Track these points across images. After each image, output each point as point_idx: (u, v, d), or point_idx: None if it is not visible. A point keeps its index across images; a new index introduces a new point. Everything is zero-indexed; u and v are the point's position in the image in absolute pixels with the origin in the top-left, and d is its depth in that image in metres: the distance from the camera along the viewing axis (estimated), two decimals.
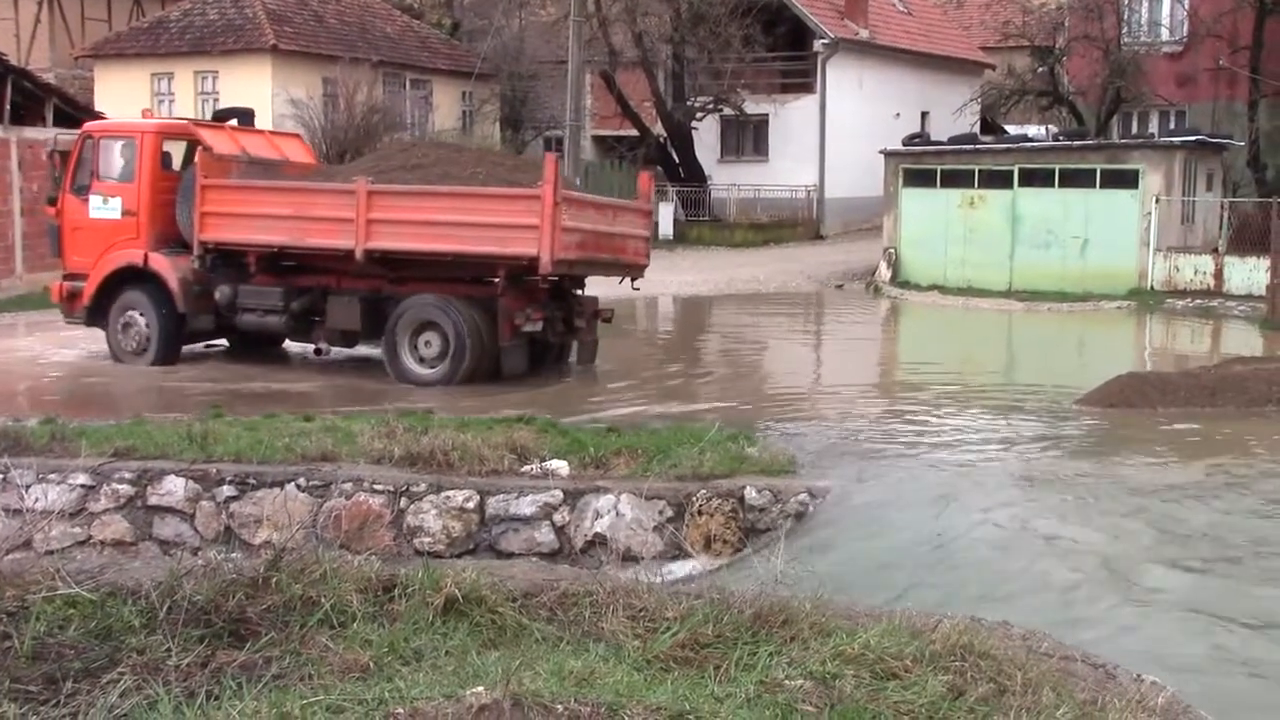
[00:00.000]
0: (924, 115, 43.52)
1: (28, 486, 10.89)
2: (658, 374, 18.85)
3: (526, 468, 11.13)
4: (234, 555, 6.88)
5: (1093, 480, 11.20)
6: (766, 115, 41.25)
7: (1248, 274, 28.96)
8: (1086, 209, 30.85)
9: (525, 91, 44.93)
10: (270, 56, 39.28)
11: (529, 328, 16.49)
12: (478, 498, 10.71)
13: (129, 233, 18.10)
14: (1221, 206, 32.66)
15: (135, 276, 18.01)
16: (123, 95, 38.64)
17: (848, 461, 11.86)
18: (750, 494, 10.48)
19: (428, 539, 10.62)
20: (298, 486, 10.88)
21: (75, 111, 28.96)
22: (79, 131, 19.19)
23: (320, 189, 17.25)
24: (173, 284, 17.67)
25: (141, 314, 17.89)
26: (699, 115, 39.97)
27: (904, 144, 34.48)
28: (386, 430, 11.66)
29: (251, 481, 10.95)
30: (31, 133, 27.11)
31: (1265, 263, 27.15)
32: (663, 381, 18.13)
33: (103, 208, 18.24)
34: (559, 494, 10.69)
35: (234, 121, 19.87)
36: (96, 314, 18.26)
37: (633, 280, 18.10)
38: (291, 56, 39.69)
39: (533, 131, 45.81)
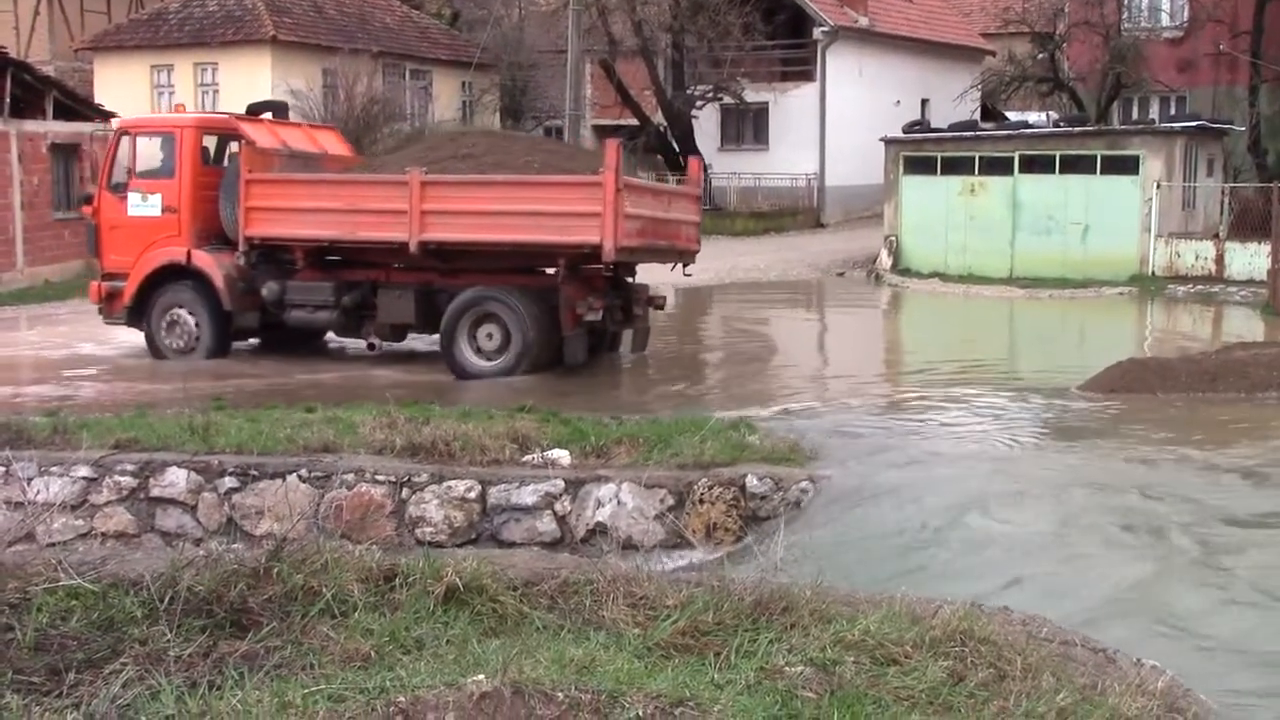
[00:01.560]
0: (924, 102, 43.48)
1: (30, 479, 10.91)
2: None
3: (528, 457, 11.14)
4: (236, 546, 6.91)
5: (1095, 467, 11.22)
6: (766, 103, 41.22)
7: (1249, 259, 28.94)
8: (1087, 195, 30.82)
9: (525, 81, 44.89)
10: (270, 48, 39.23)
11: (591, 316, 16.30)
12: (479, 487, 10.73)
13: (170, 230, 17.75)
14: (1222, 192, 32.62)
15: (176, 275, 17.68)
16: (122, 88, 38.66)
17: (850, 449, 11.87)
18: (751, 482, 10.49)
19: (429, 529, 10.64)
20: (299, 477, 10.89)
21: (75, 104, 29.02)
22: (115, 128, 18.91)
23: (371, 181, 17.02)
24: (218, 281, 17.36)
25: (189, 312, 17.56)
26: (699, 104, 39.95)
27: (904, 131, 34.43)
28: (388, 421, 11.67)
29: (253, 473, 10.97)
30: (32, 126, 27.12)
31: (1266, 248, 27.12)
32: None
33: (142, 205, 17.86)
34: (560, 483, 10.70)
35: (268, 115, 19.58)
36: (138, 314, 17.89)
37: (684, 266, 17.97)
38: (291, 47, 39.65)
39: (533, 121, 45.79)
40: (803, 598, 5.90)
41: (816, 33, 41.25)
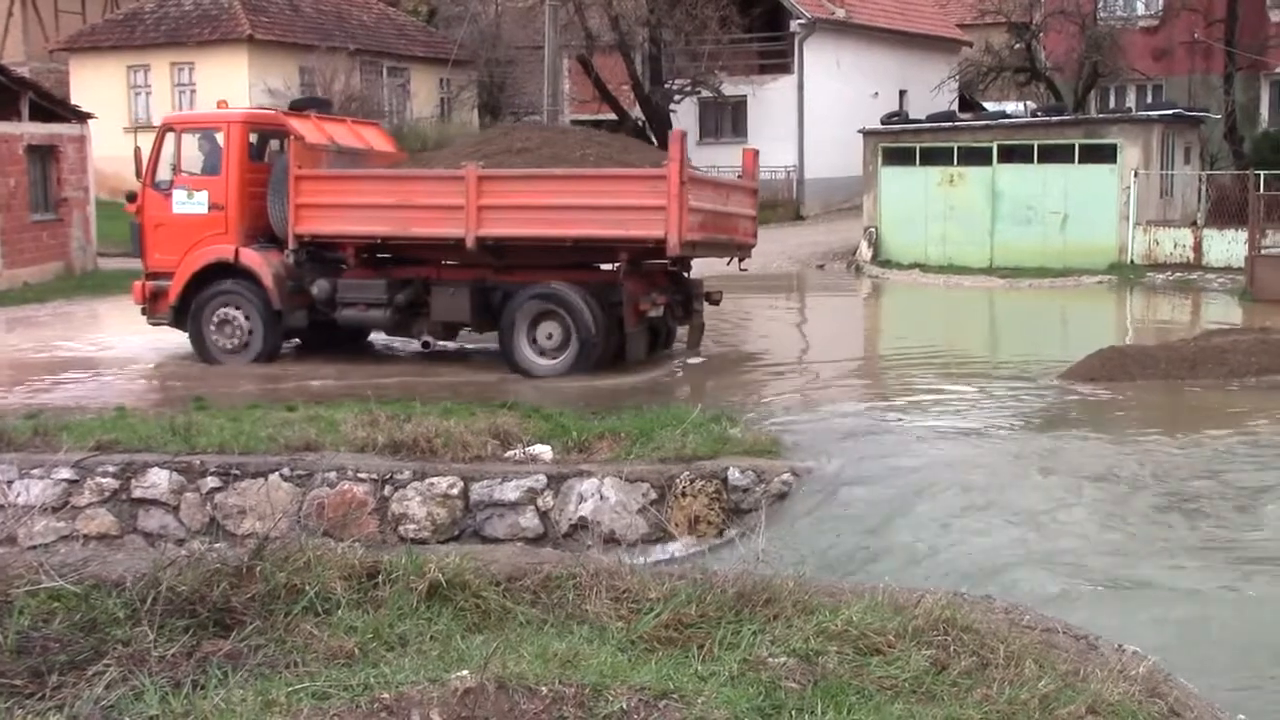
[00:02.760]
0: (902, 94, 43.52)
1: (10, 482, 10.90)
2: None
3: (510, 453, 11.16)
4: (218, 546, 6.89)
5: (1074, 454, 11.27)
6: (744, 96, 41.19)
7: (1226, 246, 29.05)
8: (1066, 184, 30.89)
9: (503, 77, 44.79)
10: (246, 47, 39.12)
11: (654, 312, 16.12)
12: (462, 484, 10.75)
13: (216, 227, 17.30)
14: (1200, 180, 32.75)
15: (221, 274, 17.29)
16: (99, 88, 38.51)
17: (832, 440, 11.90)
18: (733, 475, 10.53)
19: (412, 526, 10.65)
20: (282, 476, 10.90)
21: (51, 105, 28.86)
22: (160, 124, 18.32)
23: (426, 176, 16.71)
24: (267, 280, 16.96)
25: (241, 310, 17.17)
26: (677, 98, 39.89)
27: (882, 123, 34.47)
28: (369, 419, 11.69)
29: (235, 472, 10.98)
30: (7, 127, 26.97)
31: (1243, 235, 27.22)
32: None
33: (187, 202, 17.44)
34: (543, 479, 10.73)
35: (313, 111, 19.06)
36: (183, 313, 17.44)
37: (740, 261, 17.82)
38: (268, 46, 39.54)
39: (511, 117, 45.67)
40: (785, 589, 5.91)
41: (793, 25, 41.24)
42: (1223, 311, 23.82)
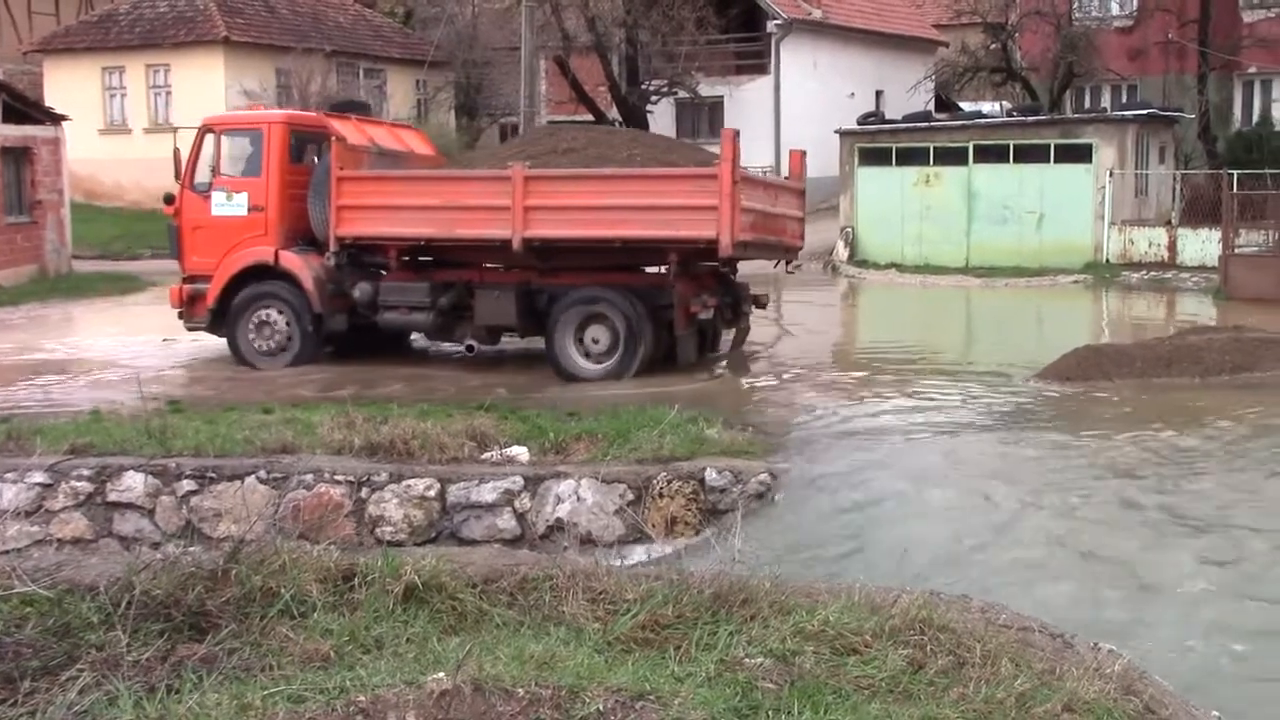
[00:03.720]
0: (878, 94, 43.59)
1: None
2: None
3: (487, 455, 11.14)
4: (193, 549, 6.87)
5: (1049, 453, 11.31)
6: (721, 97, 41.19)
7: (1200, 245, 29.20)
8: (1041, 184, 31.01)
9: (480, 78, 44.72)
10: (222, 48, 39.00)
11: (704, 315, 15.84)
12: (439, 486, 10.73)
13: (256, 230, 17.05)
14: (1174, 179, 32.91)
15: (260, 277, 17.05)
16: (73, 90, 38.34)
17: (809, 440, 11.93)
18: (710, 475, 10.53)
19: (389, 528, 10.62)
20: (258, 479, 10.86)
21: (25, 107, 28.73)
22: (199, 125, 18.02)
23: (471, 177, 16.46)
24: (308, 283, 16.71)
25: (280, 312, 16.91)
26: (654, 99, 39.89)
27: (859, 123, 34.55)
28: (346, 421, 11.65)
29: (211, 475, 10.92)
30: None
31: (1217, 234, 27.34)
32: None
33: (226, 204, 17.18)
34: (520, 480, 10.71)
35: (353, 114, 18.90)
36: (221, 317, 17.17)
37: (787, 263, 17.66)
38: (244, 48, 39.42)
39: (488, 118, 45.65)
40: (762, 589, 5.92)
41: (770, 26, 41.28)
42: (1197, 310, 23.94)
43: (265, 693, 4.66)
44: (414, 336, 18.22)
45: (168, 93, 40.05)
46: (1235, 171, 28.98)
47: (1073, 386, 14.53)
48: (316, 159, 17.30)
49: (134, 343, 19.19)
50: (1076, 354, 15.47)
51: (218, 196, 17.26)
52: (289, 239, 17.04)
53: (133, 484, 10.96)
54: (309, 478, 10.78)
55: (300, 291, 16.82)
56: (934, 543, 9.23)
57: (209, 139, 17.54)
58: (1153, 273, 29.38)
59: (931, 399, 14.44)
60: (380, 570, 6.01)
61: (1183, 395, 13.93)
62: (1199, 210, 30.64)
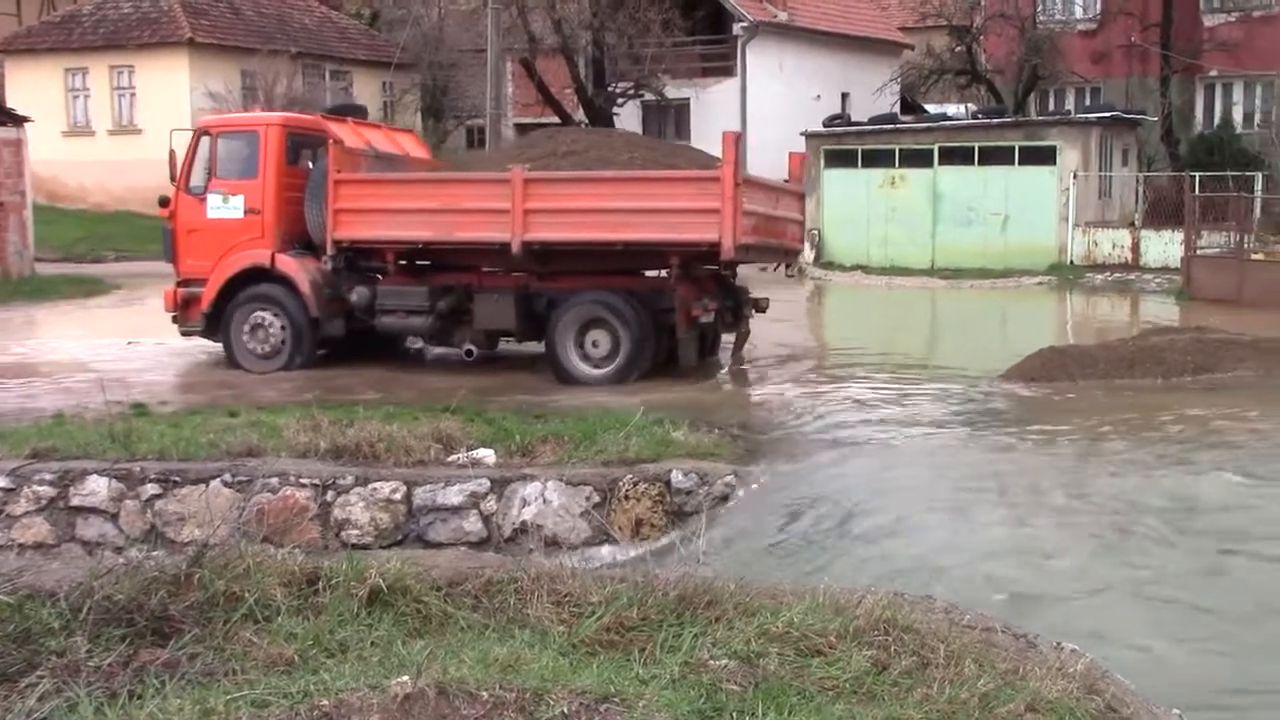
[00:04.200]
0: (844, 96, 43.71)
1: None
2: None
3: (453, 457, 11.12)
4: (157, 553, 6.84)
5: (1015, 454, 11.37)
6: (688, 99, 41.25)
7: (1163, 247, 29.43)
8: (1006, 186, 31.18)
9: (446, 81, 44.64)
10: (187, 50, 38.82)
11: (705, 319, 15.71)
12: (404, 489, 10.71)
13: (252, 232, 16.85)
14: (1137, 181, 33.13)
15: (256, 281, 16.85)
16: (36, 91, 38.12)
17: (775, 442, 11.96)
18: (676, 477, 10.54)
19: (355, 531, 10.59)
20: (223, 482, 10.81)
21: None
22: (195, 128, 17.88)
23: (470, 180, 16.34)
24: (304, 287, 16.55)
25: (275, 315, 16.71)
26: (620, 101, 39.89)
27: (825, 125, 34.68)
28: (312, 423, 11.61)
29: (175, 479, 10.86)
30: None
31: (1180, 236, 27.58)
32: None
33: (222, 207, 16.97)
34: (486, 483, 10.70)
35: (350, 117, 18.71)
36: (216, 321, 16.95)
37: (787, 267, 17.51)
38: (208, 49, 39.24)
39: (454, 121, 45.57)
40: (726, 591, 5.92)
41: (736, 28, 41.34)
42: (1160, 311, 24.12)
43: (228, 697, 4.64)
44: (411, 341, 18.09)
45: (132, 94, 39.85)
46: (1197, 174, 29.21)
47: (1037, 388, 14.62)
48: (311, 163, 17.22)
49: (98, 345, 19.04)
50: (1040, 355, 15.57)
51: (213, 199, 17.07)
52: (285, 242, 16.88)
53: (96, 488, 10.89)
54: (274, 481, 10.74)
55: (296, 295, 16.67)
56: (898, 545, 9.26)
57: (205, 141, 17.38)
58: (1116, 274, 29.59)
59: (897, 400, 14.49)
60: (345, 574, 5.98)
61: (1143, 396, 14.03)
62: (1162, 212, 30.88)
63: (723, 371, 16.95)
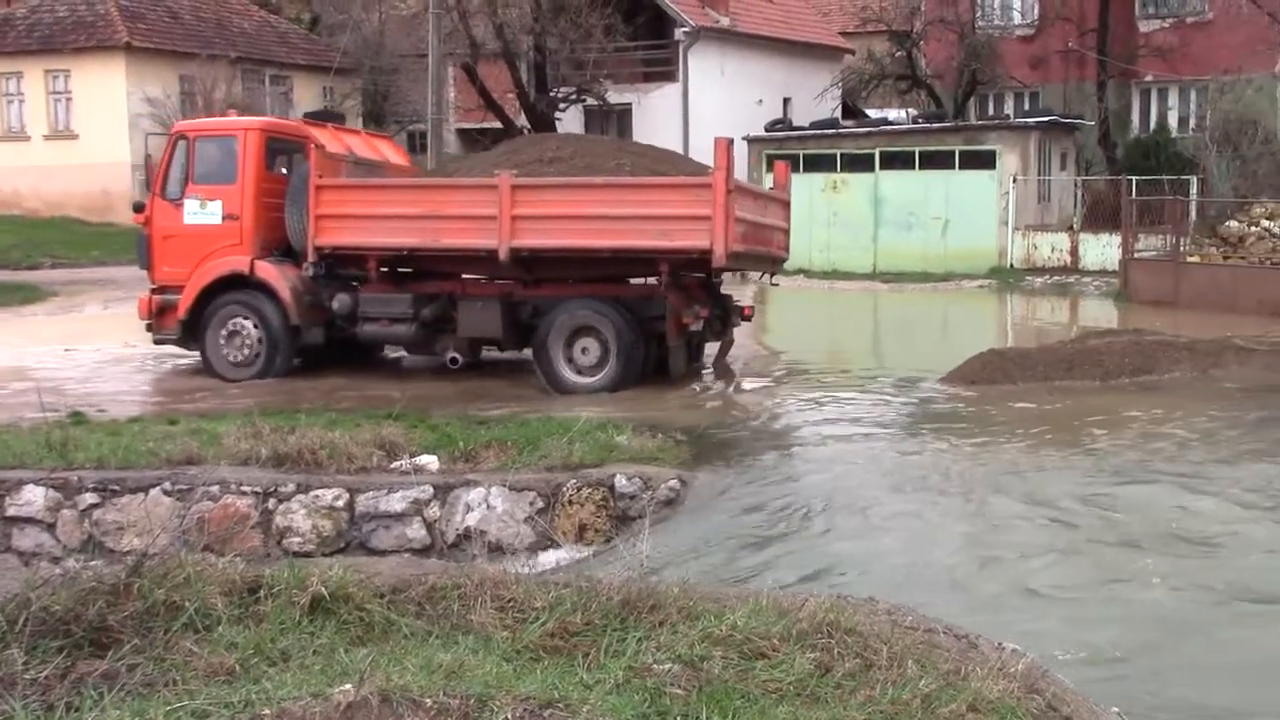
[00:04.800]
0: (786, 101, 43.90)
1: None
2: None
3: (396, 464, 11.08)
4: (94, 563, 6.76)
5: (955, 457, 11.45)
6: (630, 104, 41.29)
7: (1101, 250, 29.76)
8: (947, 190, 31.42)
9: (387, 86, 44.49)
10: (124, 54, 38.47)
11: (695, 326, 15.63)
12: (347, 496, 10.65)
13: (230, 239, 16.62)
14: (1075, 185, 33.49)
15: (233, 288, 16.62)
16: None
17: (718, 446, 11.99)
18: (620, 482, 10.55)
19: (297, 539, 10.53)
20: (163, 491, 10.71)
21: None
22: (171, 132, 17.59)
23: (456, 185, 16.06)
24: (284, 294, 16.33)
25: (250, 321, 16.49)
26: (562, 106, 39.87)
27: (766, 130, 34.83)
28: (253, 431, 11.51)
29: (114, 487, 10.76)
30: None
31: (1117, 239, 27.89)
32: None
33: (200, 213, 16.71)
34: (429, 489, 10.66)
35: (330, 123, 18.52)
36: (192, 329, 16.72)
37: (772, 275, 17.40)
38: (146, 54, 38.91)
39: (396, 125, 45.37)
40: (670, 595, 5.92)
41: (678, 33, 41.42)
42: (1099, 313, 24.38)
43: (168, 708, 4.58)
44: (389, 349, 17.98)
45: (68, 99, 39.46)
46: (1134, 178, 29.58)
47: (977, 389, 14.74)
48: (285, 169, 17.04)
49: (35, 353, 18.82)
50: (981, 358, 15.70)
51: (190, 204, 16.83)
52: (264, 248, 16.67)
53: (32, 498, 10.76)
54: (215, 489, 10.65)
55: (275, 302, 16.43)
56: (843, 546, 9.31)
57: (181, 145, 17.07)
58: (1055, 277, 29.88)
59: (841, 403, 14.59)
60: (286, 581, 5.93)
61: (1081, 398, 14.18)
62: (1100, 215, 31.25)
63: (707, 378, 16.85)
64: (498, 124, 40.06)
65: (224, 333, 16.60)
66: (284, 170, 17.06)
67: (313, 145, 16.33)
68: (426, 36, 34.51)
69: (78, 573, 5.81)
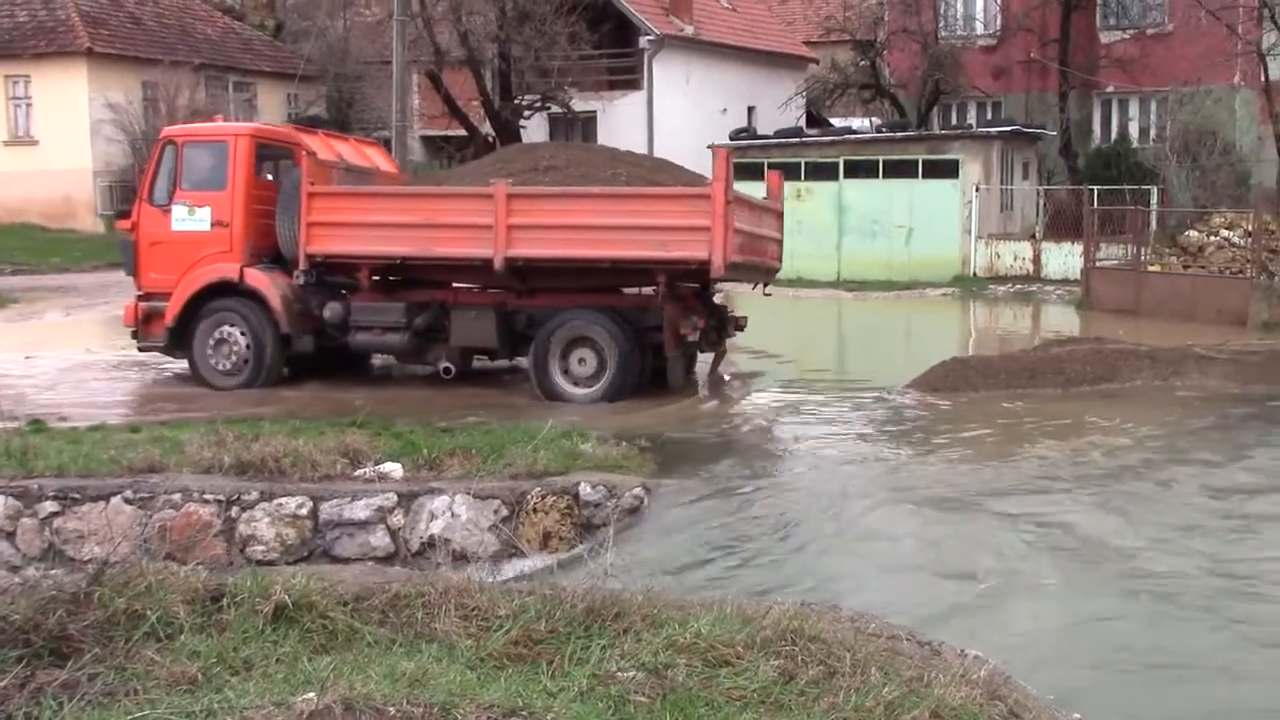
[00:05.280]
0: (750, 110, 44.01)
1: None
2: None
3: (359, 472, 11.02)
4: (55, 572, 6.71)
5: (913, 465, 11.51)
6: (594, 112, 41.32)
7: (1063, 259, 29.98)
8: (910, 199, 31.58)
9: (351, 93, 44.38)
10: (85, 60, 38.28)
11: (692, 337, 15.43)
12: (310, 504, 10.59)
13: (220, 245, 16.29)
14: (1038, 194, 33.73)
15: (222, 295, 16.31)
16: None
17: (683, 454, 12.00)
18: (585, 490, 10.54)
19: (261, 547, 10.46)
20: (124, 499, 10.62)
21: None
22: (159, 136, 17.22)
23: (451, 194, 15.81)
24: (275, 302, 16.01)
25: (238, 329, 16.18)
26: (527, 113, 39.87)
27: (731, 138, 34.90)
28: (216, 439, 11.44)
29: (75, 496, 10.66)
30: None
31: (1079, 248, 28.09)
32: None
33: (188, 219, 16.37)
34: (393, 497, 10.61)
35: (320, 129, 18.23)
36: (179, 336, 16.36)
37: (764, 286, 17.32)
38: (108, 59, 38.71)
39: (360, 132, 45.14)
40: (634, 603, 5.93)
41: (642, 41, 41.50)
42: (1061, 321, 24.53)
43: (129, 718, 4.57)
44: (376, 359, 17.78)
45: (28, 104, 39.23)
46: (1096, 187, 29.84)
47: (940, 397, 14.82)
48: (270, 175, 16.83)
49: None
50: (944, 366, 15.78)
51: (178, 211, 16.50)
52: (254, 256, 16.39)
53: None
54: (177, 497, 10.58)
55: (265, 310, 16.17)
56: (807, 556, 9.34)
57: (169, 151, 16.78)
58: (1018, 285, 30.07)
59: (804, 411, 14.64)
60: (249, 590, 5.90)
61: (1043, 405, 14.28)
62: (1062, 225, 31.48)
63: (702, 390, 16.71)
64: (462, 131, 40.05)
65: (212, 341, 16.34)
66: (269, 177, 16.91)
67: (305, 152, 16.12)
68: (391, 44, 34.45)
69: (37, 581, 5.78)
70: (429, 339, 16.05)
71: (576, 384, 15.33)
